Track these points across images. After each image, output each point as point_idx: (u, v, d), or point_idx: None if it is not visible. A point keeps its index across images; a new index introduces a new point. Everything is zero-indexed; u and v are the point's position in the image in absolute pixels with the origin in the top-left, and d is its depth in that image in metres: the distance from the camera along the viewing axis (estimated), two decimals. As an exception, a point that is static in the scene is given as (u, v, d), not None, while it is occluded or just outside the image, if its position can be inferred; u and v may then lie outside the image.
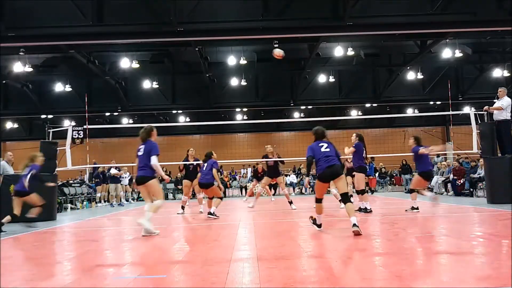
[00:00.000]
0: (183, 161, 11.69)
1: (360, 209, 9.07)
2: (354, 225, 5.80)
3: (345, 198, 6.15)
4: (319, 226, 6.48)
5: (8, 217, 8.14)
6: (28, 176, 8.32)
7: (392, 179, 22.58)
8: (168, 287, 3.60)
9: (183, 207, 11.35)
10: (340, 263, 4.22)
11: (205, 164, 9.88)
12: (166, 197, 22.02)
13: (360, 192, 9.16)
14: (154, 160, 6.73)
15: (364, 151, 9.14)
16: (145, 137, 6.95)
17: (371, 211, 9.17)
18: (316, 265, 4.20)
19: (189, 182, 11.43)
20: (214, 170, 9.67)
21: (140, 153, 6.90)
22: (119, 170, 16.96)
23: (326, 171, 6.10)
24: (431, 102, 24.45)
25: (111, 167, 16.69)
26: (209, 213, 9.25)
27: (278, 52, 12.06)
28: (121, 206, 16.08)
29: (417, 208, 9.13)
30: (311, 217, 6.66)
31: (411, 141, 9.27)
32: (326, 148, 6.29)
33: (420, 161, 9.06)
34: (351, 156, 9.73)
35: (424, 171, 9.03)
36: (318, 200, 6.41)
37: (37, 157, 8.72)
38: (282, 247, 5.31)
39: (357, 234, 5.72)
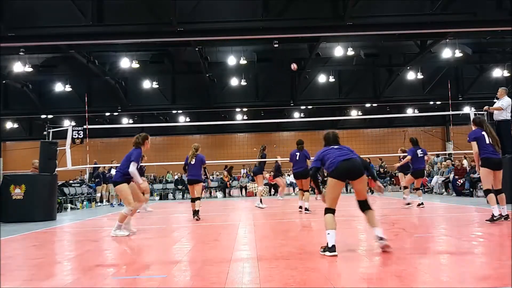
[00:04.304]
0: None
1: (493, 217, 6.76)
2: (381, 237, 4.62)
3: (366, 205, 4.82)
4: (333, 249, 4.54)
5: None
6: None
7: (392, 179, 22.56)
8: (168, 287, 3.60)
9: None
10: (340, 263, 4.22)
11: (298, 154, 10.06)
12: (166, 197, 22.01)
13: (485, 192, 6.99)
14: (132, 167, 6.71)
15: (487, 137, 6.95)
16: (139, 143, 7.01)
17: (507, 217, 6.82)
18: (316, 265, 4.20)
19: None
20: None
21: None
22: None
23: (342, 164, 4.73)
24: (431, 102, 24.47)
25: (111, 167, 16.68)
26: (306, 209, 9.72)
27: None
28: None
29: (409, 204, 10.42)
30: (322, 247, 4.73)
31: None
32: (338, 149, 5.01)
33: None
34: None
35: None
36: (330, 210, 4.75)
37: None
38: (282, 247, 5.31)
39: (386, 247, 4.59)
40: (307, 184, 10.11)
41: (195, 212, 9.26)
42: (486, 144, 6.90)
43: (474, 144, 7.02)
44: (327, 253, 4.54)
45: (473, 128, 7.22)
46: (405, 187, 11.01)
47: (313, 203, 10.86)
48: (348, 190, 21.66)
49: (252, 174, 12.63)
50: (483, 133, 6.98)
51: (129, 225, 7.01)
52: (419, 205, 10.18)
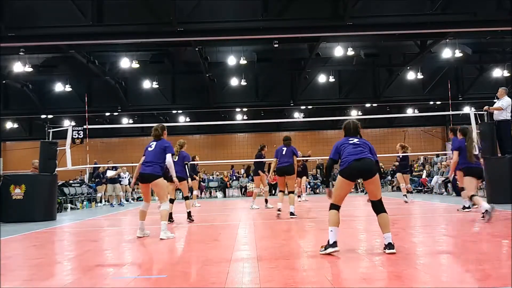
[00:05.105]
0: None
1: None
2: (390, 244, 4.49)
3: (379, 206, 4.68)
4: (334, 245, 4.57)
5: None
6: None
7: (393, 179, 22.57)
8: (168, 287, 3.60)
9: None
10: (340, 263, 4.22)
11: (285, 149, 9.09)
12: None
13: (471, 197, 7.39)
14: (169, 158, 6.51)
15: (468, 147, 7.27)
16: (159, 135, 6.71)
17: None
18: (316, 265, 4.20)
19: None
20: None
21: (150, 149, 6.59)
22: (116, 170, 16.95)
23: (353, 164, 4.62)
24: (431, 102, 24.47)
25: (107, 168, 16.66)
26: (291, 213, 8.69)
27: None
28: (121, 206, 16.07)
29: (469, 207, 8.61)
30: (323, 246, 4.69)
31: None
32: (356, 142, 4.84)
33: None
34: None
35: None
36: (334, 207, 4.76)
37: None
38: (282, 247, 5.31)
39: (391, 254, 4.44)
40: (292, 184, 9.13)
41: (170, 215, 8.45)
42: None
43: (456, 153, 7.38)
44: (329, 249, 4.53)
45: (459, 137, 7.45)
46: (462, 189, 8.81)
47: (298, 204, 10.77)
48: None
49: (252, 174, 12.59)
50: (466, 144, 7.31)
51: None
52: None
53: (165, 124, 7.12)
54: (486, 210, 6.88)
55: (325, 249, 4.58)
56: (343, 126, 5.08)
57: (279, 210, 8.93)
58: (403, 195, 12.29)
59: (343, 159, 4.72)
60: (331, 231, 4.58)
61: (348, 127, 5.01)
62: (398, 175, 12.61)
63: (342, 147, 4.82)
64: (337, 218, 4.67)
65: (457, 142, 7.46)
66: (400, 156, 12.54)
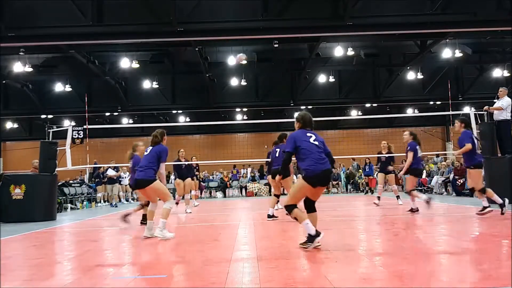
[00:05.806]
0: (175, 161, 11.54)
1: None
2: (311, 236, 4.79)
3: (314, 206, 5.06)
4: (317, 235, 4.77)
5: None
6: None
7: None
8: (168, 287, 3.60)
9: (176, 204, 11.51)
10: (340, 263, 4.22)
11: (278, 150, 8.78)
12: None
13: (410, 192, 8.83)
14: (162, 169, 6.45)
15: (420, 151, 8.73)
16: (158, 142, 6.67)
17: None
18: (316, 265, 4.20)
19: (181, 181, 11.35)
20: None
21: (146, 153, 6.56)
22: (117, 171, 16.95)
23: (322, 174, 4.86)
24: (431, 102, 24.46)
25: (108, 168, 16.67)
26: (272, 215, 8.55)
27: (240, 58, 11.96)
28: (120, 205, 16.09)
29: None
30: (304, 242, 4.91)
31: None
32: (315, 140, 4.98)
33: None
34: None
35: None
36: (293, 206, 4.92)
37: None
38: (282, 247, 5.31)
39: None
40: (288, 185, 8.41)
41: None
42: (418, 157, 8.65)
43: (411, 154, 8.56)
44: (316, 239, 4.75)
45: (410, 140, 8.77)
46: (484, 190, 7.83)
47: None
48: (348, 190, 21.66)
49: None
50: (417, 147, 8.68)
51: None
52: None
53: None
54: (426, 201, 8.60)
55: (312, 242, 4.78)
56: (300, 118, 5.23)
57: (272, 215, 8.60)
58: (398, 197, 11.64)
59: (310, 165, 4.81)
60: (307, 223, 4.79)
61: (305, 120, 5.18)
62: (380, 175, 11.93)
63: (302, 142, 4.92)
64: (303, 211, 4.93)
65: (412, 144, 8.73)
66: (386, 157, 12.09)
